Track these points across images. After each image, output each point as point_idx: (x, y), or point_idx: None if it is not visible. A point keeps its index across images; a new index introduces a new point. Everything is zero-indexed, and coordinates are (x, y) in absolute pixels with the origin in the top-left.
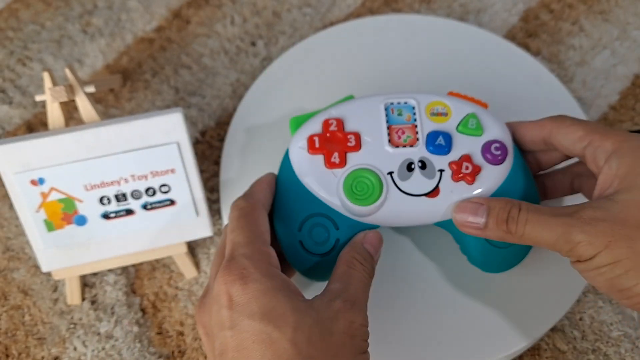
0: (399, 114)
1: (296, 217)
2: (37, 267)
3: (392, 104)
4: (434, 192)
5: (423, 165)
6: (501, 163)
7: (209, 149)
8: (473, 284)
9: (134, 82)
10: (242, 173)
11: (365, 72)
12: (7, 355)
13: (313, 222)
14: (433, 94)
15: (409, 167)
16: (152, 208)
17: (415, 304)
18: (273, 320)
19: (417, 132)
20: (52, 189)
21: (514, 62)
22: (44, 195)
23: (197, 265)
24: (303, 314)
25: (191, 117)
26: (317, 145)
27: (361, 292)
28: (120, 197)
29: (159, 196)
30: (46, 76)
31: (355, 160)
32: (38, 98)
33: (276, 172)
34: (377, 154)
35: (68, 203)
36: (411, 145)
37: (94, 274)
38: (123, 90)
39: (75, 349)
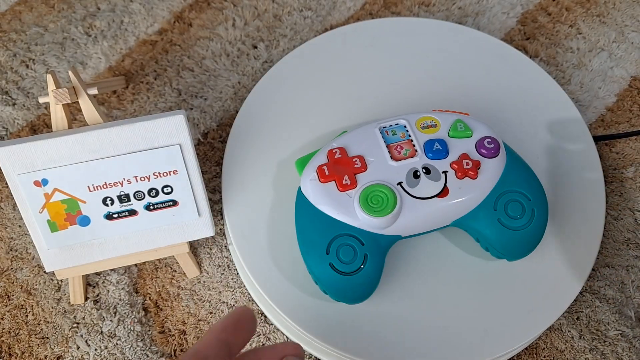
0: (394, 134)
1: (322, 243)
2: (40, 267)
3: (385, 127)
4: (443, 192)
5: (427, 171)
6: (496, 155)
7: (210, 150)
8: (471, 283)
9: (137, 84)
10: (243, 174)
11: (365, 75)
12: (11, 355)
13: (339, 243)
14: (419, 112)
15: (415, 175)
16: (154, 209)
17: (413, 304)
18: None
19: (414, 145)
20: (55, 189)
21: (512, 65)
22: (48, 196)
23: (199, 264)
24: None
25: (193, 119)
26: (327, 173)
27: None
28: (123, 198)
29: (162, 197)
30: (49, 78)
31: (364, 179)
32: (41, 100)
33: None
34: (383, 169)
35: (71, 204)
36: (412, 157)
37: (97, 274)
38: (126, 92)
39: (78, 348)
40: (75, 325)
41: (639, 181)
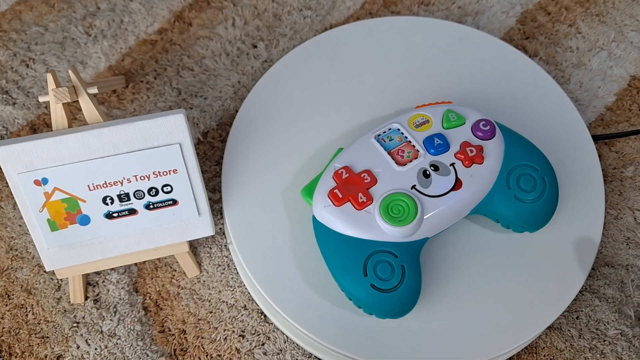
0: (390, 139)
1: (357, 267)
2: (40, 266)
3: (379, 135)
4: (457, 185)
5: (435, 168)
6: (494, 135)
7: (210, 150)
8: (471, 282)
9: (137, 84)
10: (243, 173)
11: (365, 74)
12: (11, 354)
13: (373, 262)
14: (406, 112)
15: (425, 174)
16: (154, 208)
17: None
18: None
19: (414, 146)
20: (55, 189)
21: (512, 64)
22: (48, 195)
23: (199, 264)
24: None
25: (193, 118)
26: (340, 195)
27: None
28: (123, 197)
29: (162, 196)
30: (50, 77)
31: (378, 191)
32: (41, 99)
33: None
34: (393, 177)
35: (71, 203)
36: (416, 158)
37: (97, 273)
38: (126, 91)
39: (78, 347)
40: (75, 324)
41: (639, 180)
